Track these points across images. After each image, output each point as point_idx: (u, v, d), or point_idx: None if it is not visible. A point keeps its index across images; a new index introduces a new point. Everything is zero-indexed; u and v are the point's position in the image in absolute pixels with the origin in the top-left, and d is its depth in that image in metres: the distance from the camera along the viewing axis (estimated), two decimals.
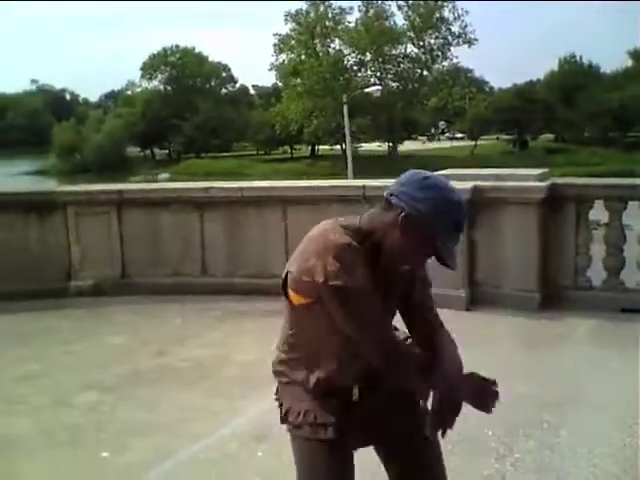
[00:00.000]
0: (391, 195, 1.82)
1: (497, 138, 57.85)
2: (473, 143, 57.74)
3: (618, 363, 4.45)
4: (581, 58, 61.34)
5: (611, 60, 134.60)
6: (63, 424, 3.81)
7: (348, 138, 31.38)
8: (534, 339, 5.10)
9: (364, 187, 6.13)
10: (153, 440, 3.59)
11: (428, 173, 1.85)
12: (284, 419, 2.01)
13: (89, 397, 4.20)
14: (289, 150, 64.13)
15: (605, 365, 4.46)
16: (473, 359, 4.55)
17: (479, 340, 4.88)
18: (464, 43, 54.11)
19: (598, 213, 6.04)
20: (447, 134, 70.20)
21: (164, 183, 20.08)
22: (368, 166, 35.87)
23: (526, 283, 5.68)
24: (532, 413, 3.73)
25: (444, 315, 2.04)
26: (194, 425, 3.74)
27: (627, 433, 3.48)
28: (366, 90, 37.71)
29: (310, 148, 61.89)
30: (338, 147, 52.90)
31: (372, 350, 1.85)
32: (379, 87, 39.91)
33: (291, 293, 1.87)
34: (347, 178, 24.22)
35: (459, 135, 66.46)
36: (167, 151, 70.32)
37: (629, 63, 60.66)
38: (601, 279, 5.82)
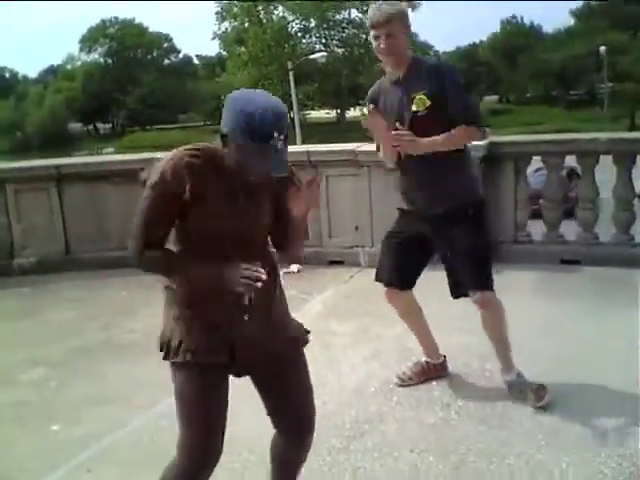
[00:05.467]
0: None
1: None
2: None
3: (557, 312, 4.61)
4: (522, 19, 61.75)
5: (555, 20, 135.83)
6: (10, 401, 3.78)
7: (295, 106, 31.13)
8: None
9: (308, 152, 6.15)
10: (104, 411, 3.58)
11: (238, 92, 1.94)
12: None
13: (36, 373, 4.16)
14: None
15: (544, 314, 4.61)
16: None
17: (424, 294, 4.99)
18: (408, 8, 53.85)
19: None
20: None
21: (104, 156, 19.58)
22: (316, 133, 35.78)
23: None
24: (475, 363, 3.84)
25: None
26: (145, 394, 3.73)
27: (566, 381, 3.58)
28: (311, 57, 37.34)
29: None
30: None
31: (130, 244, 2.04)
32: (324, 53, 39.54)
33: None
34: (295, 145, 24.10)
35: None
36: (111, 125, 68.51)
37: (572, 22, 61.31)
38: (541, 233, 6.00)
